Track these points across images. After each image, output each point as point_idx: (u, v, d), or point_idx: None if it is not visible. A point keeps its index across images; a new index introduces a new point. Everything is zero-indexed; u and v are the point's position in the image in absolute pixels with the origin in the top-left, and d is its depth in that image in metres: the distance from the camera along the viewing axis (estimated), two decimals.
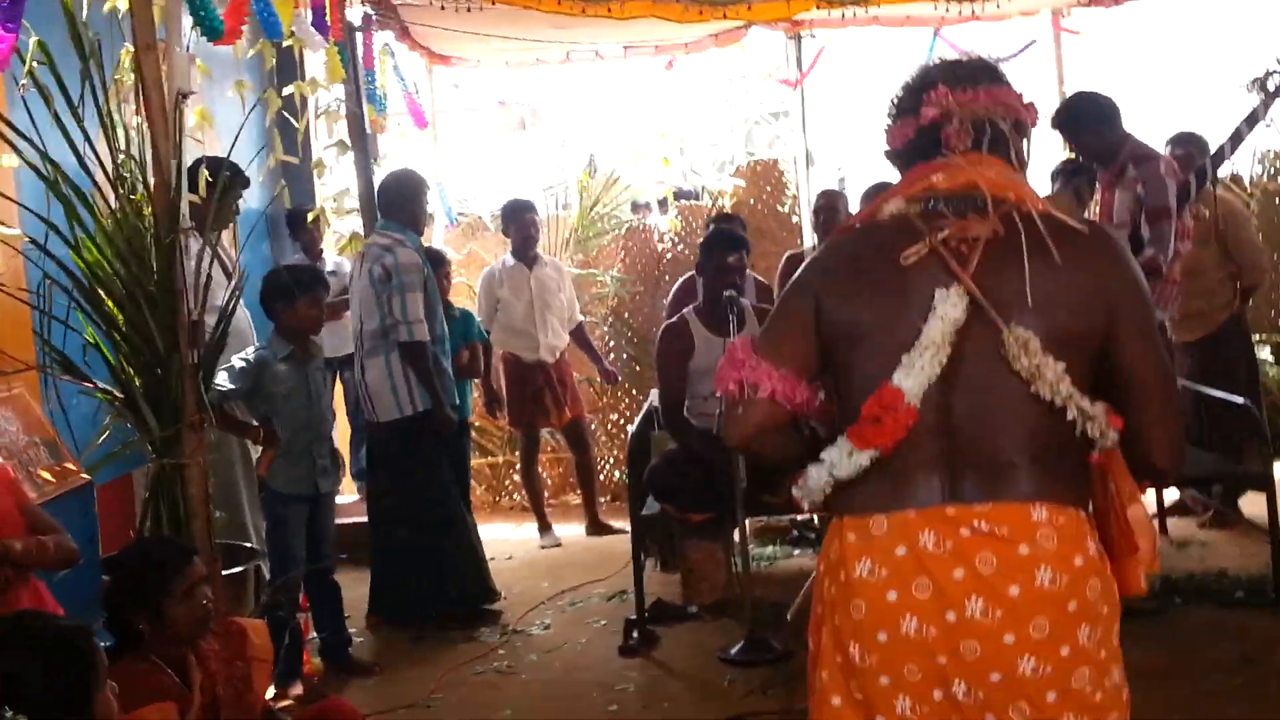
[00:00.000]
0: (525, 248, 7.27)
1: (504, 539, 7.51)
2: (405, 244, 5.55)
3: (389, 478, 5.69)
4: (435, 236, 9.19)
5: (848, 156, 12.24)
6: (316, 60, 7.34)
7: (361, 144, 7.36)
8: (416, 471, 5.59)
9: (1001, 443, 2.00)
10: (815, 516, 6.67)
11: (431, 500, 5.60)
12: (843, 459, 2.05)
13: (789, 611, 5.01)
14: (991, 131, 2.10)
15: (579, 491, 7.69)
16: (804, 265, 2.22)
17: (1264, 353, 7.00)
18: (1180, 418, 2.11)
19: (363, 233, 6.39)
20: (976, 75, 2.14)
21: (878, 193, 5.62)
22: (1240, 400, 5.26)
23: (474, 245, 9.48)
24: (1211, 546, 5.77)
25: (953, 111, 2.09)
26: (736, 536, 5.48)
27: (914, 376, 1.98)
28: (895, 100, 2.22)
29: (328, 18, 5.33)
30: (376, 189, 6.07)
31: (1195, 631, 4.64)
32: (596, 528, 7.33)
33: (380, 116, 7.66)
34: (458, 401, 5.86)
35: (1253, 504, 5.76)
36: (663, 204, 10.01)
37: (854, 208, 6.46)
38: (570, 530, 7.41)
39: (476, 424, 8.60)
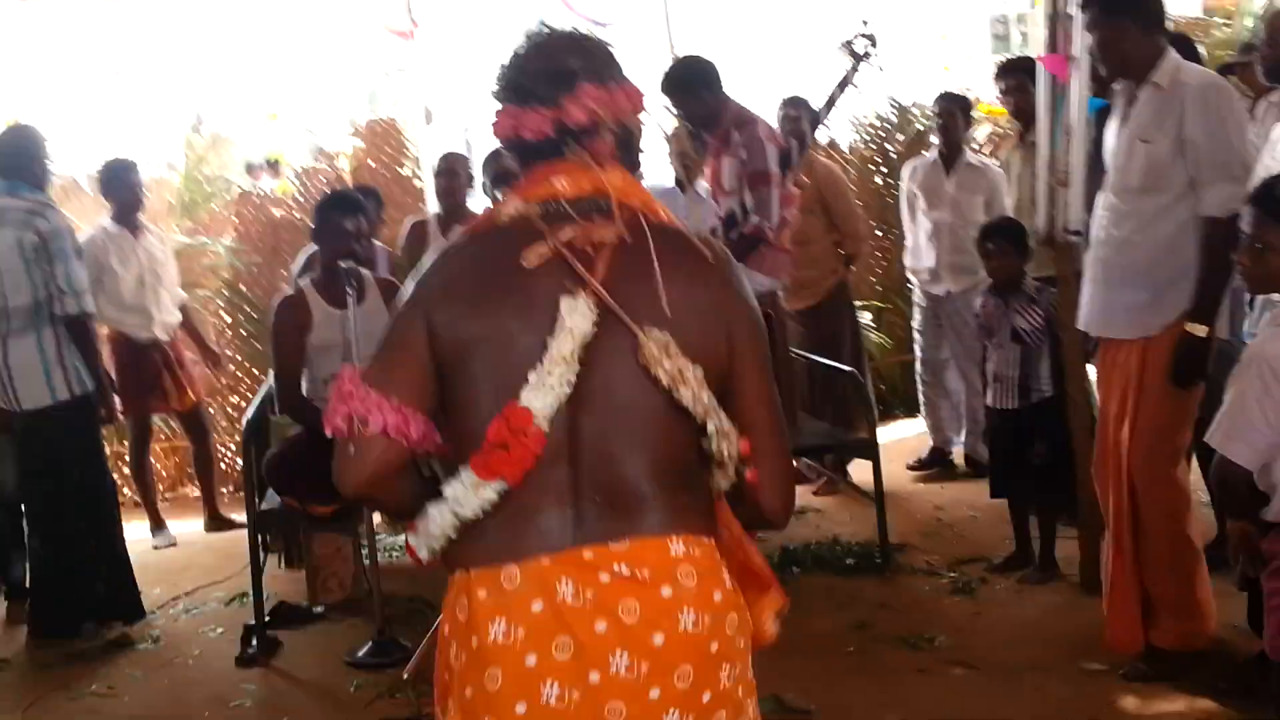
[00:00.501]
0: (129, 212, 6.59)
1: None
2: (51, 206, 5.08)
3: (40, 476, 5.05)
4: None
5: (474, 115, 12.03)
6: None
7: None
8: (74, 466, 5.02)
9: (632, 465, 1.85)
10: None
11: (92, 499, 5.07)
12: (468, 494, 1.81)
13: (404, 670, 4.45)
14: (621, 133, 1.97)
15: (197, 483, 7.16)
16: (414, 283, 1.97)
17: (864, 318, 7.35)
18: (791, 463, 2.03)
19: None
20: (609, 66, 1.97)
21: (496, 159, 5.55)
22: (847, 369, 5.49)
23: (68, 210, 8.63)
24: (826, 514, 5.98)
25: (603, 120, 1.92)
26: (364, 528, 5.25)
27: (543, 395, 1.79)
28: (514, 81, 1.98)
29: None
30: None
31: (811, 599, 4.77)
32: (217, 523, 6.85)
33: None
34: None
35: (861, 470, 5.99)
36: (274, 166, 9.42)
37: (477, 171, 6.24)
38: (188, 526, 6.90)
39: None
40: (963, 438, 6.44)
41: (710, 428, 1.83)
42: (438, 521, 1.84)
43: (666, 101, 5.41)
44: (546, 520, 1.83)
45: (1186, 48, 4.38)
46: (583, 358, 1.81)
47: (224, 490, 7.51)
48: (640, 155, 2.06)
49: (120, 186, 6.55)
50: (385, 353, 1.92)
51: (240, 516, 6.70)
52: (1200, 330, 3.66)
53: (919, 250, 6.40)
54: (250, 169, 9.50)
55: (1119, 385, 3.87)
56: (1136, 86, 3.81)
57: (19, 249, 4.86)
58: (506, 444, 1.78)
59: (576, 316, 1.80)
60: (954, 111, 6.31)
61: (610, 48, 2.00)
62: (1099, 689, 3.86)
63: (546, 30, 2.00)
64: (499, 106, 2.00)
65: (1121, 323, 3.87)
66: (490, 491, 1.81)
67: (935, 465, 6.49)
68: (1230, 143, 3.67)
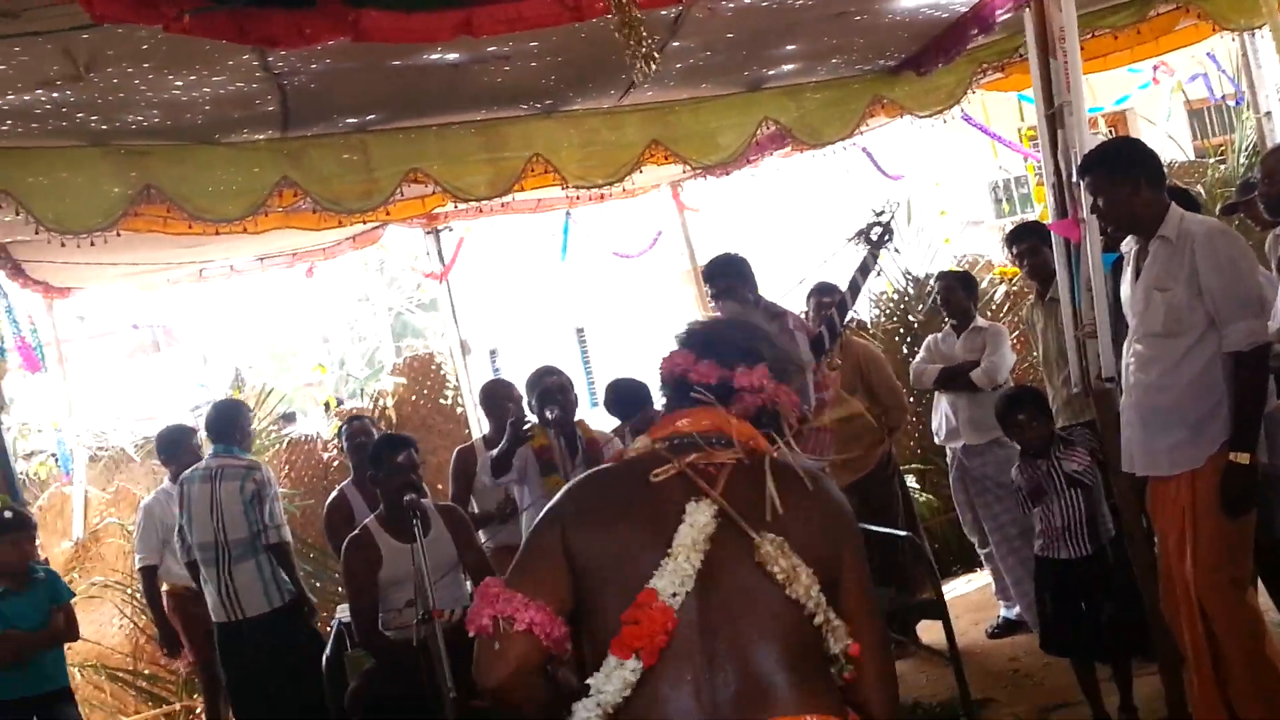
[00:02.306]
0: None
1: None
2: (260, 464, 6.40)
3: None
4: (74, 480, 8.59)
5: (499, 337, 12.44)
6: None
7: None
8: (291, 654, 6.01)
9: (762, 654, 1.99)
10: None
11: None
12: (608, 679, 1.98)
13: None
14: (769, 408, 2.26)
15: None
16: (551, 503, 2.21)
17: (909, 481, 7.45)
18: (894, 669, 2.21)
19: None
20: (786, 373, 2.30)
21: (540, 379, 5.78)
22: (903, 533, 5.56)
23: (122, 480, 8.90)
24: (902, 678, 5.91)
25: (760, 390, 2.22)
26: None
27: (667, 577, 1.99)
28: (704, 337, 2.30)
29: None
30: (205, 421, 6.64)
31: None
32: None
33: (1, 361, 7.17)
34: None
35: (928, 631, 6.01)
36: (290, 418, 9.72)
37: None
38: None
39: (146, 671, 7.97)
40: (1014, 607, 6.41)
41: (817, 620, 2.02)
42: (581, 716, 2.00)
43: (708, 289, 5.62)
44: (684, 705, 1.97)
45: (1185, 199, 4.59)
46: (706, 560, 2.01)
47: None
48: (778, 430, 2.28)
49: (182, 451, 6.86)
50: (525, 562, 2.14)
51: None
52: (1243, 458, 3.80)
53: (940, 410, 6.57)
54: (284, 418, 9.82)
55: (1175, 520, 3.98)
56: (1146, 241, 4.04)
57: (240, 496, 6.07)
58: (637, 619, 1.97)
59: (697, 514, 2.04)
60: (952, 287, 6.58)
61: (793, 365, 2.32)
62: None
63: (746, 322, 2.37)
64: (675, 349, 2.30)
65: (1165, 462, 4.00)
66: (628, 671, 1.97)
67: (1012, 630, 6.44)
68: (1243, 282, 3.88)
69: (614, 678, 1.98)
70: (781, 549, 2.02)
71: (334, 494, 6.62)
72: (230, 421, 6.47)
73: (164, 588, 6.80)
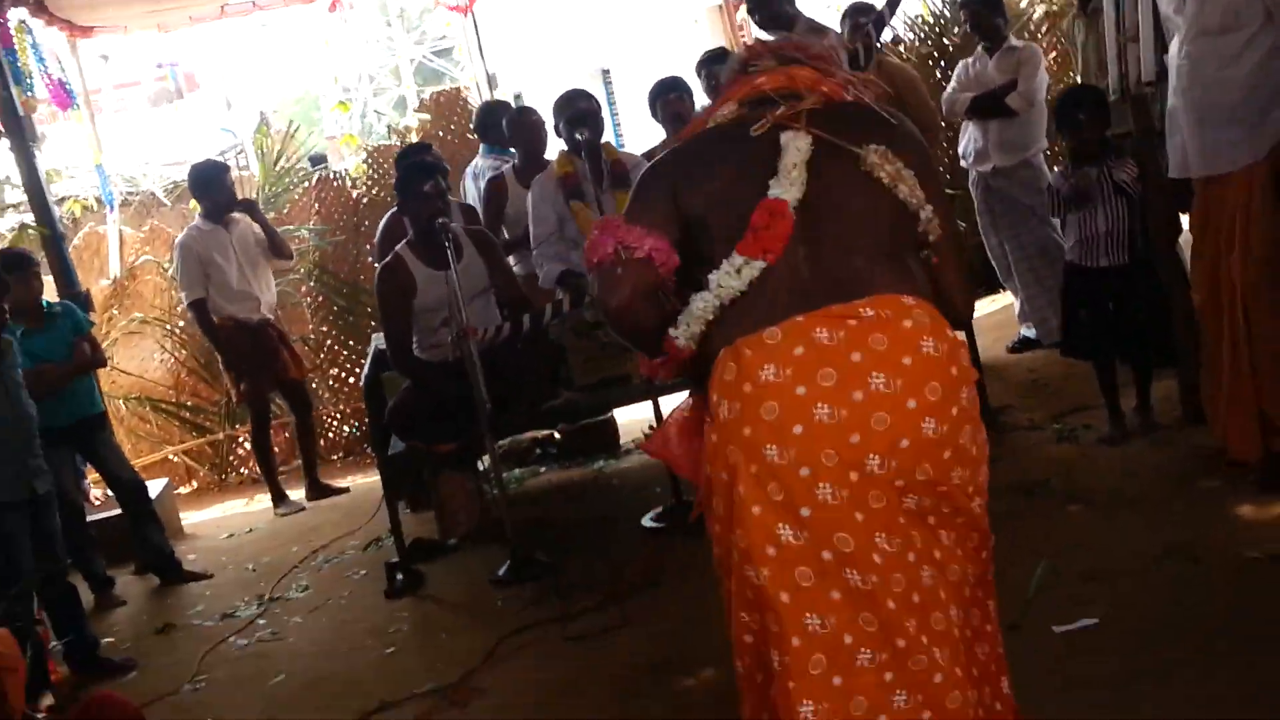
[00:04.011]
0: (221, 210, 6.89)
1: (239, 513, 7.25)
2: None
3: None
4: (109, 218, 8.67)
5: (524, 80, 12.24)
6: None
7: (16, 127, 6.85)
8: None
9: (862, 248, 2.21)
10: (556, 432, 6.74)
11: None
12: (731, 277, 2.19)
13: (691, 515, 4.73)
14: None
15: (299, 454, 7.39)
16: (654, 161, 2.42)
17: None
18: (962, 252, 2.41)
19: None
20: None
21: (569, 103, 5.71)
22: None
23: (155, 220, 8.98)
24: None
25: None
26: (482, 465, 5.46)
27: (787, 189, 2.19)
28: None
29: None
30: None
31: None
32: (318, 491, 7.11)
33: (29, 97, 7.14)
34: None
35: None
36: (323, 160, 9.67)
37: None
38: (295, 496, 7.17)
39: (189, 402, 8.24)
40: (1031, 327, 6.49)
41: (924, 215, 2.26)
42: (700, 305, 2.23)
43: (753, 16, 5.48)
44: (795, 293, 2.18)
45: None
46: (810, 183, 2.21)
47: (335, 458, 7.79)
48: None
49: (215, 187, 6.90)
50: (638, 205, 2.33)
51: (341, 482, 7.24)
52: None
53: (968, 133, 6.49)
54: (314, 160, 9.79)
55: (1226, 221, 3.95)
56: None
57: None
58: (768, 225, 2.18)
59: (795, 143, 2.23)
60: (975, 8, 6.39)
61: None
62: (1215, 503, 3.96)
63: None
64: None
65: (1226, 157, 3.93)
66: (753, 269, 2.18)
67: (1030, 347, 6.55)
68: None
69: (741, 274, 2.18)
70: (885, 156, 2.22)
71: (386, 219, 6.42)
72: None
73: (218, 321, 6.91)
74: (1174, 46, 4.08)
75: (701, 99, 5.65)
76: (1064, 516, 4.17)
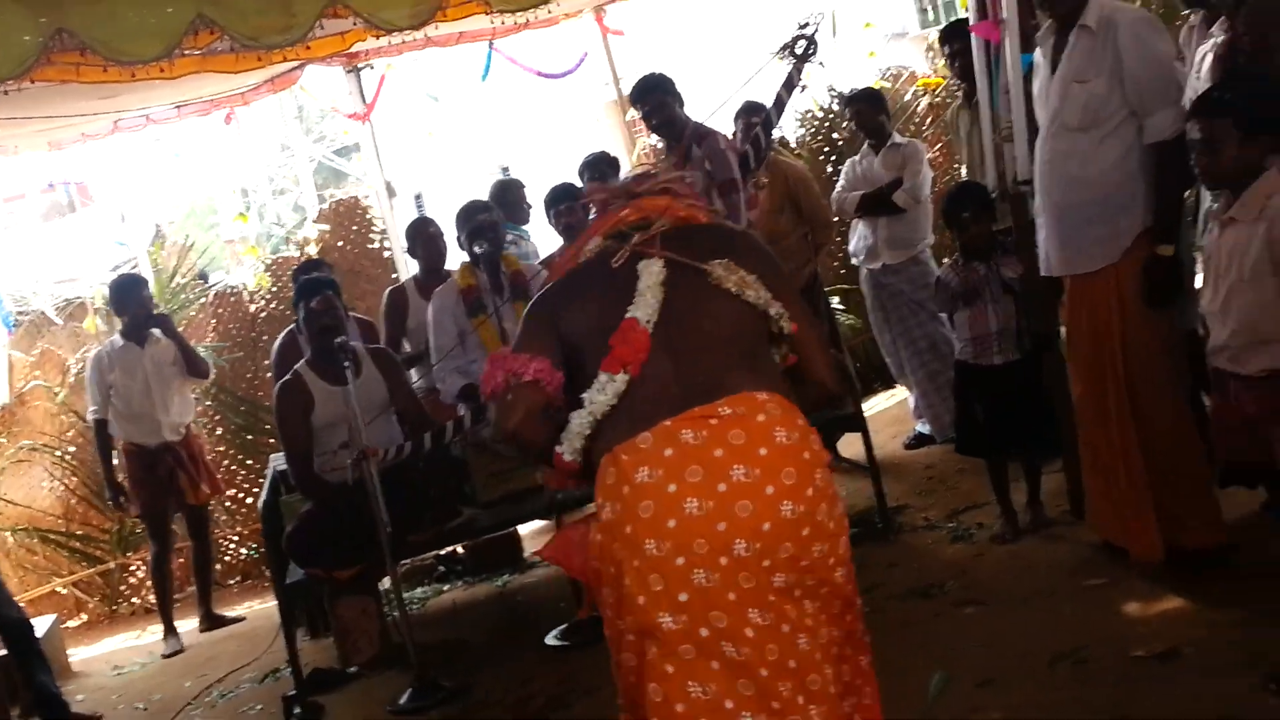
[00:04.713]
0: (140, 326, 6.75)
1: (130, 646, 7.01)
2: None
3: None
4: None
5: (424, 179, 12.17)
6: None
7: None
8: None
9: (718, 353, 2.49)
10: (460, 548, 6.60)
11: None
12: (600, 394, 2.47)
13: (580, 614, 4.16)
14: None
15: (194, 582, 7.16)
16: (536, 295, 2.74)
17: (834, 303, 7.44)
18: (828, 344, 2.73)
19: None
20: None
21: (469, 216, 5.67)
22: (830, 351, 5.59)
23: (45, 343, 8.73)
24: None
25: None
26: (385, 585, 5.32)
27: (641, 309, 2.50)
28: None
29: None
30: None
31: None
32: (210, 622, 6.91)
33: None
34: None
35: (848, 445, 6.11)
36: (205, 277, 9.50)
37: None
38: (184, 626, 6.93)
39: (79, 531, 7.95)
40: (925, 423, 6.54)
41: (773, 312, 2.54)
42: (578, 422, 2.50)
43: (636, 113, 5.51)
44: (663, 400, 2.45)
45: None
46: (666, 300, 2.51)
47: (231, 582, 7.55)
48: None
49: (133, 301, 6.77)
50: (523, 336, 2.63)
51: (233, 611, 7.04)
52: (1167, 250, 3.82)
53: (858, 231, 6.58)
54: (202, 276, 9.58)
55: (1100, 316, 4.00)
56: (1065, 31, 3.96)
57: None
58: (624, 342, 2.47)
59: (650, 267, 2.56)
60: (861, 109, 6.54)
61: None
62: (1103, 600, 3.98)
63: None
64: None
65: (1087, 257, 4.00)
66: (618, 384, 2.46)
67: (925, 443, 6.57)
68: (1166, 71, 3.84)
69: (608, 389, 2.46)
70: (729, 267, 2.52)
71: (282, 337, 6.32)
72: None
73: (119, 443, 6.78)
74: (1038, 143, 4.16)
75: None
76: (961, 619, 4.16)
